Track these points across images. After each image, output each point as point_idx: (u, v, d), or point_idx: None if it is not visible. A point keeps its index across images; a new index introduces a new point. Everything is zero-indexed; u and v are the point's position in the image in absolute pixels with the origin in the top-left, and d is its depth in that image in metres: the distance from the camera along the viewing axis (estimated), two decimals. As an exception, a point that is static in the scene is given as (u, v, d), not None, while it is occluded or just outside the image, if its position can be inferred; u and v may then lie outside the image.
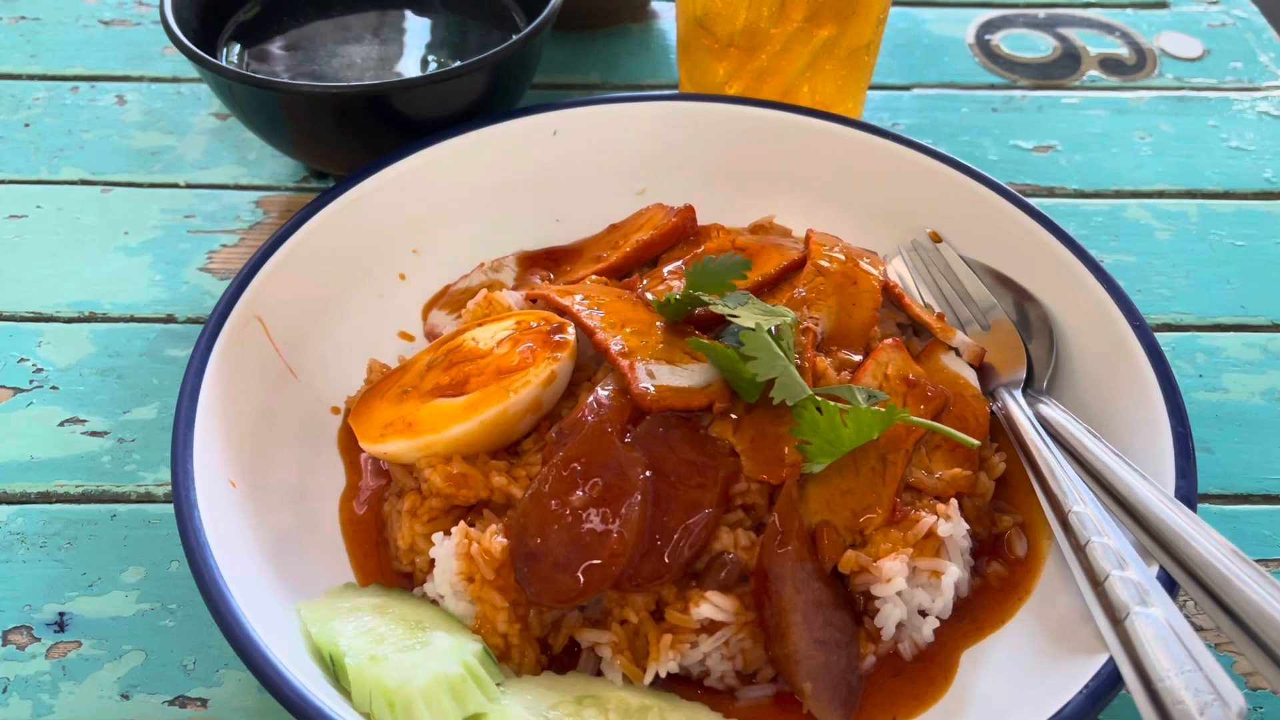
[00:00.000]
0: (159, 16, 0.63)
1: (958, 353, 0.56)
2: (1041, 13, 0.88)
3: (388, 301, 0.61)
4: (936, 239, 0.62)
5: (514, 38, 0.63)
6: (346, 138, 0.64)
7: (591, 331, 0.52)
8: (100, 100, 0.78)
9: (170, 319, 0.63)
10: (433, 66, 0.68)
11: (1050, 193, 0.73)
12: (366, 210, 0.61)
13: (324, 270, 0.59)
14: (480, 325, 0.54)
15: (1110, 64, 0.83)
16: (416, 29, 0.71)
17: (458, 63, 0.66)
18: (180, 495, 0.46)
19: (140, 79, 0.79)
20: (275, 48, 0.69)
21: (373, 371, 0.56)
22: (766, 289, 0.57)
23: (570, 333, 0.52)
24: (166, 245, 0.68)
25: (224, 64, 0.64)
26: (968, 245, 0.61)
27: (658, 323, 0.53)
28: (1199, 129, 0.78)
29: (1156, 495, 0.45)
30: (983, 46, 0.84)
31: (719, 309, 0.50)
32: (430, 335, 0.60)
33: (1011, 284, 0.59)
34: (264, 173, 0.72)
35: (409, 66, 0.68)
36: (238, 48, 0.68)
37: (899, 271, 0.61)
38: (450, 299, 0.62)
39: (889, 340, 0.53)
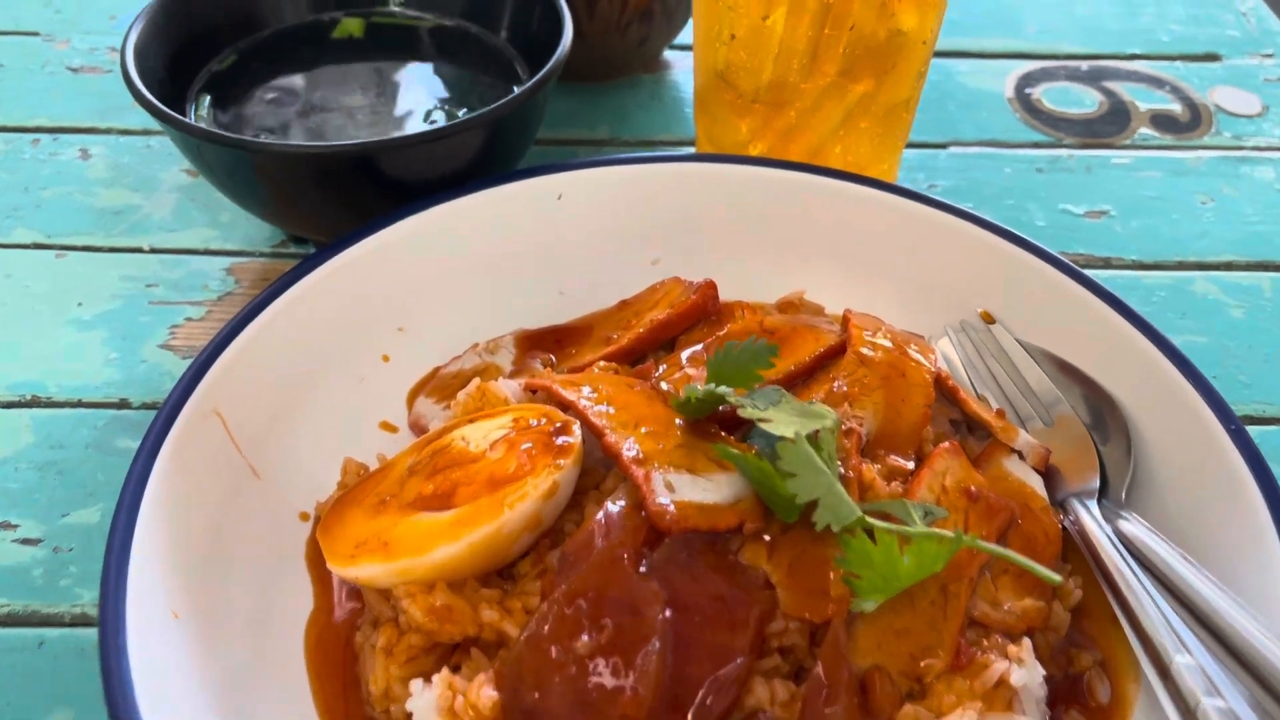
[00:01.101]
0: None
1: (1021, 456, 0.49)
2: (1084, 65, 0.82)
3: (369, 386, 0.54)
4: (989, 319, 0.55)
5: (515, 92, 0.56)
6: (328, 202, 0.57)
7: (600, 432, 0.44)
8: (62, 154, 0.71)
9: (123, 404, 0.56)
10: (425, 123, 0.61)
11: (1107, 263, 0.66)
12: (348, 282, 0.54)
13: (297, 350, 0.52)
14: (471, 422, 0.47)
15: (1162, 121, 0.77)
16: (408, 81, 0.65)
17: (457, 115, 0.59)
18: (107, 640, 0.38)
19: (108, 131, 0.73)
20: (252, 101, 0.62)
21: (347, 473, 0.49)
22: (800, 380, 0.50)
23: (575, 433, 0.45)
24: (124, 318, 0.60)
25: (192, 121, 0.58)
26: (1023, 326, 0.54)
27: (677, 420, 0.45)
28: (1265, 192, 0.71)
29: (1276, 644, 0.38)
30: (1023, 101, 0.78)
31: (748, 412, 0.42)
32: (415, 428, 0.53)
33: (1077, 373, 0.52)
34: (237, 236, 0.65)
35: (399, 123, 0.61)
36: (209, 101, 0.62)
37: (946, 356, 0.54)
38: (439, 385, 0.54)
39: (945, 444, 0.46)
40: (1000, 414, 0.50)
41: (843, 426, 0.45)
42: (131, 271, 0.63)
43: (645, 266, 0.60)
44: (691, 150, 0.72)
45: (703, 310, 0.54)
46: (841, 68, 0.57)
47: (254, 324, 0.50)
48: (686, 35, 0.80)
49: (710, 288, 0.54)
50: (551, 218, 0.59)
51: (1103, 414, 0.50)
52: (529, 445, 0.44)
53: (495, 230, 0.58)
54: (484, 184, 0.57)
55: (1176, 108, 0.78)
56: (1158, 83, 0.80)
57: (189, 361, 0.48)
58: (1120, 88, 0.79)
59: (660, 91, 0.78)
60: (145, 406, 0.56)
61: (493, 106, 0.55)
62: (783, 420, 0.42)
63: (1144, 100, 0.78)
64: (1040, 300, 0.54)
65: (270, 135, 0.60)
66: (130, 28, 0.58)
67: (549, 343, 0.56)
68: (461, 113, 0.61)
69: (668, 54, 0.81)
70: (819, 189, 0.59)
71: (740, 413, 0.43)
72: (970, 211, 0.56)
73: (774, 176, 0.59)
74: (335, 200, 0.57)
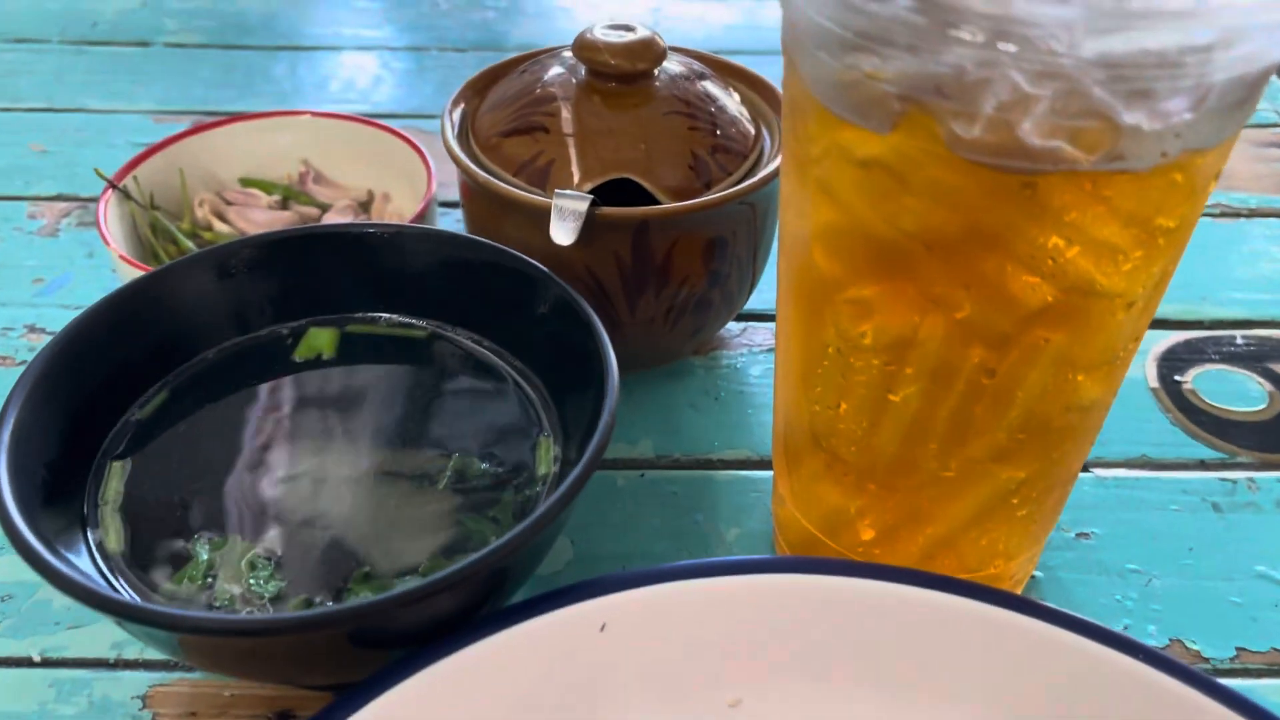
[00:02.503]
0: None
1: None
2: (1239, 335, 0.66)
3: None
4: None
5: (531, 518, 0.39)
6: (282, 669, 0.40)
7: None
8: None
9: None
10: (430, 542, 0.45)
11: (1339, 670, 0.49)
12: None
13: None
14: None
15: (1357, 424, 0.60)
16: (397, 427, 0.48)
17: (468, 552, 0.43)
18: None
19: None
20: (184, 470, 0.46)
21: None
22: None
23: None
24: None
25: (75, 574, 0.41)
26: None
27: None
28: None
29: None
30: (1172, 393, 0.62)
31: None
32: None
33: None
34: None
35: (382, 512, 0.45)
36: (124, 475, 0.45)
37: None
38: None
39: None
40: None
41: None
42: (15, 692, 0.46)
43: (722, 710, 0.43)
44: (768, 503, 0.56)
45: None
46: (995, 452, 0.41)
47: None
48: (753, 303, 0.64)
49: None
50: (593, 654, 0.42)
51: None
52: None
53: (518, 678, 0.41)
54: (499, 622, 0.41)
55: (1369, 402, 0.62)
56: (1336, 363, 0.64)
57: None
58: (1291, 372, 0.63)
59: (717, 384, 0.62)
60: None
61: (497, 546, 0.38)
62: None
63: (1326, 392, 0.62)
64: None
65: (209, 534, 0.43)
66: (5, 410, 0.41)
67: None
68: (473, 487, 0.45)
69: (722, 330, 0.65)
70: (953, 612, 0.42)
71: None
72: (1198, 673, 0.39)
73: (891, 593, 0.42)
74: (295, 667, 0.40)
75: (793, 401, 0.46)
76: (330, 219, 0.66)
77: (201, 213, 0.65)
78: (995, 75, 0.31)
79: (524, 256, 0.50)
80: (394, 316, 0.53)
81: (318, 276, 0.52)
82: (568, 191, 0.52)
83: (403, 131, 0.67)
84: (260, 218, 0.65)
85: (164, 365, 0.49)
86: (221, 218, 0.66)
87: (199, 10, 0.99)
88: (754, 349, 0.64)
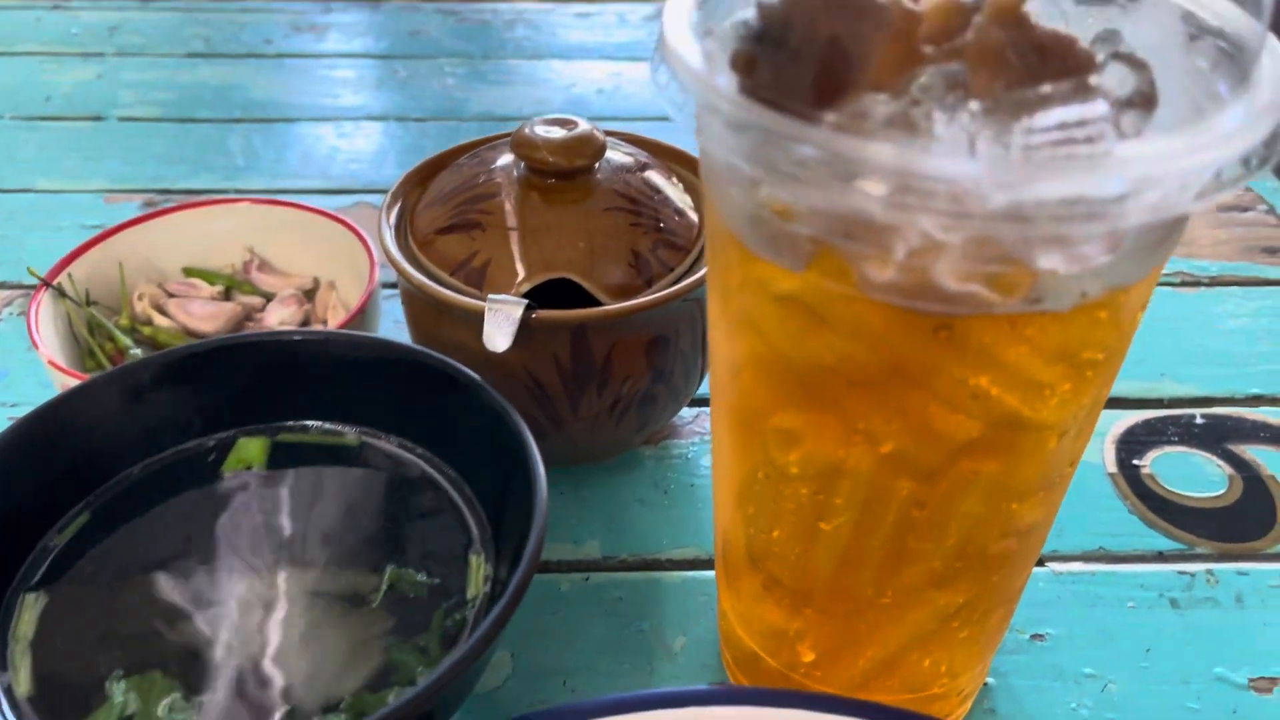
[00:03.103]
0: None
1: None
2: (1198, 414, 0.65)
3: None
4: None
5: (456, 656, 0.37)
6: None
7: None
8: None
9: None
10: (364, 679, 0.43)
11: (1299, 783, 0.48)
12: None
13: None
14: None
15: (1318, 510, 0.59)
16: (330, 546, 0.47)
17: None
18: None
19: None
20: (93, 608, 0.44)
21: None
22: None
23: None
24: None
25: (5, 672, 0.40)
26: None
27: None
28: None
29: None
30: (1131, 478, 0.60)
31: None
32: None
33: None
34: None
35: (310, 639, 0.43)
36: (38, 609, 0.44)
37: None
38: None
39: None
40: None
41: None
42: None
43: None
44: (715, 606, 0.54)
45: None
46: (934, 581, 0.40)
47: None
48: (705, 387, 0.63)
49: None
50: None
51: None
52: None
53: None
54: (418, 768, 0.39)
55: (1331, 485, 0.60)
56: (1297, 445, 0.63)
57: None
58: (1251, 454, 0.62)
59: (667, 476, 0.60)
60: None
61: (433, 679, 0.37)
62: None
63: (1286, 474, 0.61)
64: None
65: (127, 673, 0.42)
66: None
67: None
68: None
69: (675, 418, 0.64)
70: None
71: None
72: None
73: (836, 722, 0.41)
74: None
75: (729, 520, 0.44)
76: (273, 310, 0.65)
77: (141, 306, 0.64)
78: (904, 223, 0.30)
79: (454, 364, 0.49)
80: (324, 424, 0.52)
81: (244, 385, 0.51)
82: (502, 296, 0.51)
83: (347, 219, 0.66)
84: (201, 310, 0.64)
85: (83, 487, 0.48)
86: (162, 311, 0.65)
87: (156, 82, 0.98)
88: (705, 436, 0.63)
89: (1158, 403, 0.65)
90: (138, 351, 0.61)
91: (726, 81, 0.31)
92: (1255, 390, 0.66)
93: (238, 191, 0.84)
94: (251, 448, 0.51)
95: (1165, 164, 0.28)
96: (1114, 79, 0.32)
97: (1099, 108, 0.29)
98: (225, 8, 1.12)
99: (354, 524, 0.48)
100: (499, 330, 0.50)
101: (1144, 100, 0.31)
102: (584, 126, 0.56)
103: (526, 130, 0.55)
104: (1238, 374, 0.67)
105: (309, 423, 0.52)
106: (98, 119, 0.93)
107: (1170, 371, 0.67)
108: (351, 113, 0.96)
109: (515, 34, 1.08)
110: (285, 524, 0.48)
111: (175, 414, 0.50)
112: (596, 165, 0.56)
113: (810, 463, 0.38)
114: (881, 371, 0.34)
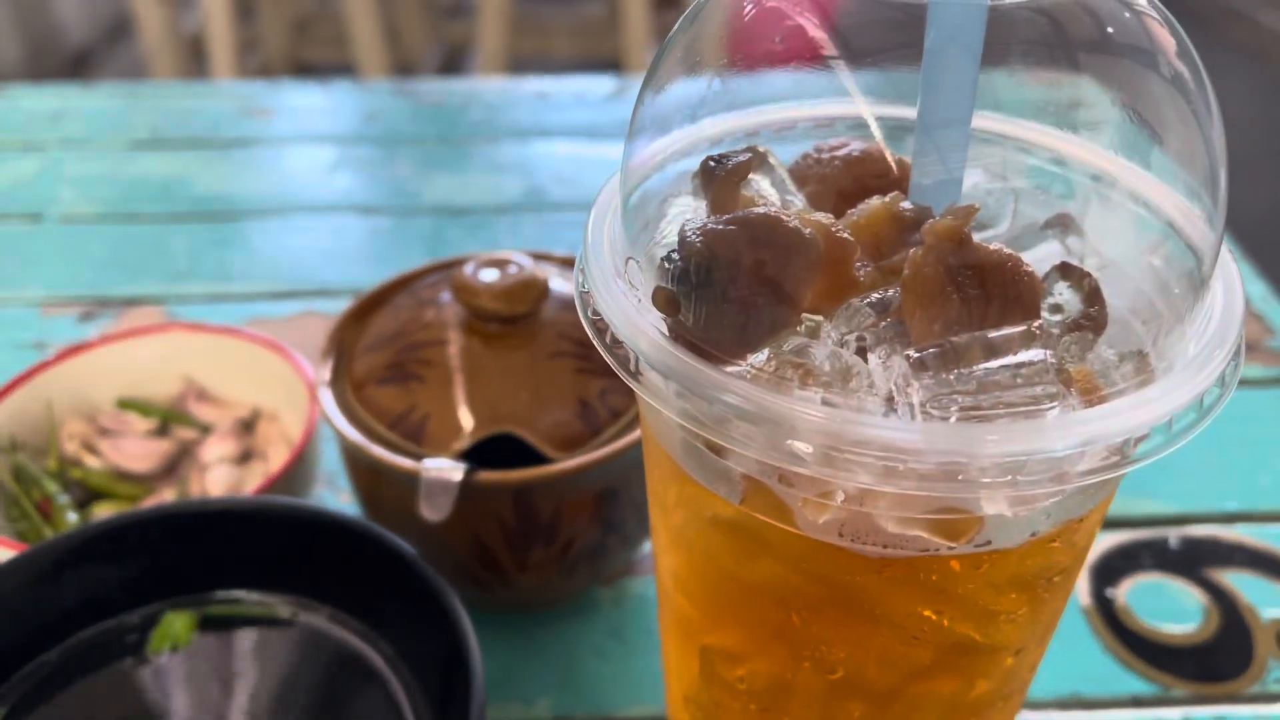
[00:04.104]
0: None
1: None
2: (1172, 536, 0.63)
3: None
4: None
5: None
6: None
7: None
8: None
9: None
10: None
11: None
12: None
13: None
14: None
15: (1296, 643, 0.57)
16: (247, 746, 0.44)
17: None
18: None
19: None
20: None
21: None
22: None
23: None
24: None
25: None
26: None
27: None
28: None
29: None
30: (1105, 612, 0.58)
31: None
32: None
33: None
34: None
35: None
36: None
37: None
38: None
39: None
40: None
41: None
42: None
43: None
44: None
45: None
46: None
47: None
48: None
49: None
50: None
51: None
52: None
53: None
54: None
55: (1309, 613, 0.58)
56: (1273, 566, 0.61)
57: None
58: (1228, 581, 0.60)
59: (624, 622, 0.58)
60: None
61: None
62: None
63: (1266, 604, 0.59)
64: None
65: None
66: None
67: None
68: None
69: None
70: None
71: None
72: None
73: None
74: None
75: (676, 715, 0.42)
76: (211, 444, 0.62)
77: (71, 447, 0.61)
78: (838, 474, 0.27)
79: (389, 536, 0.47)
80: (255, 595, 0.49)
81: (170, 556, 0.48)
82: (438, 461, 0.48)
83: (285, 347, 0.63)
84: (134, 449, 0.61)
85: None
86: (93, 450, 0.62)
87: (98, 177, 0.96)
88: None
89: (1131, 523, 0.63)
90: (65, 499, 0.58)
91: (650, 324, 0.29)
92: (1232, 506, 0.64)
93: (179, 298, 0.81)
94: (178, 624, 0.48)
95: (1106, 423, 0.26)
96: (1062, 298, 0.30)
97: (1040, 354, 0.27)
98: (172, 92, 1.10)
99: (285, 707, 0.45)
100: (434, 502, 0.47)
101: (1093, 324, 0.29)
102: (526, 267, 0.53)
103: (465, 274, 0.53)
104: (1212, 489, 0.65)
105: (238, 593, 0.49)
106: (35, 218, 0.90)
107: (1144, 486, 0.65)
108: (302, 203, 0.93)
109: (471, 116, 1.06)
110: (213, 712, 0.45)
111: (94, 592, 0.47)
112: (541, 305, 0.54)
113: (757, 678, 0.35)
114: (826, 603, 0.32)
